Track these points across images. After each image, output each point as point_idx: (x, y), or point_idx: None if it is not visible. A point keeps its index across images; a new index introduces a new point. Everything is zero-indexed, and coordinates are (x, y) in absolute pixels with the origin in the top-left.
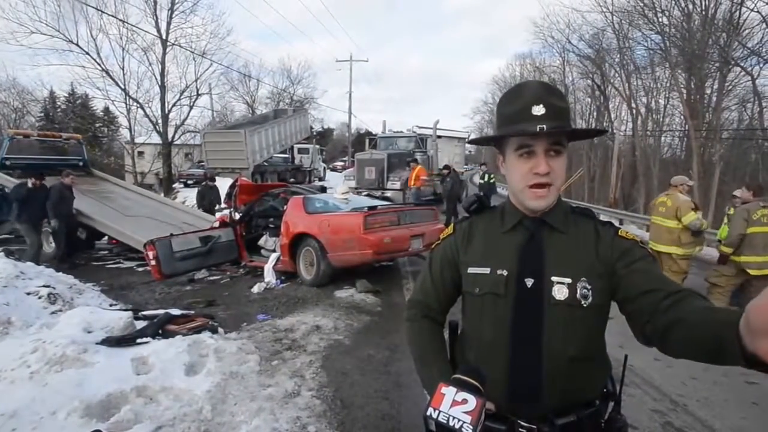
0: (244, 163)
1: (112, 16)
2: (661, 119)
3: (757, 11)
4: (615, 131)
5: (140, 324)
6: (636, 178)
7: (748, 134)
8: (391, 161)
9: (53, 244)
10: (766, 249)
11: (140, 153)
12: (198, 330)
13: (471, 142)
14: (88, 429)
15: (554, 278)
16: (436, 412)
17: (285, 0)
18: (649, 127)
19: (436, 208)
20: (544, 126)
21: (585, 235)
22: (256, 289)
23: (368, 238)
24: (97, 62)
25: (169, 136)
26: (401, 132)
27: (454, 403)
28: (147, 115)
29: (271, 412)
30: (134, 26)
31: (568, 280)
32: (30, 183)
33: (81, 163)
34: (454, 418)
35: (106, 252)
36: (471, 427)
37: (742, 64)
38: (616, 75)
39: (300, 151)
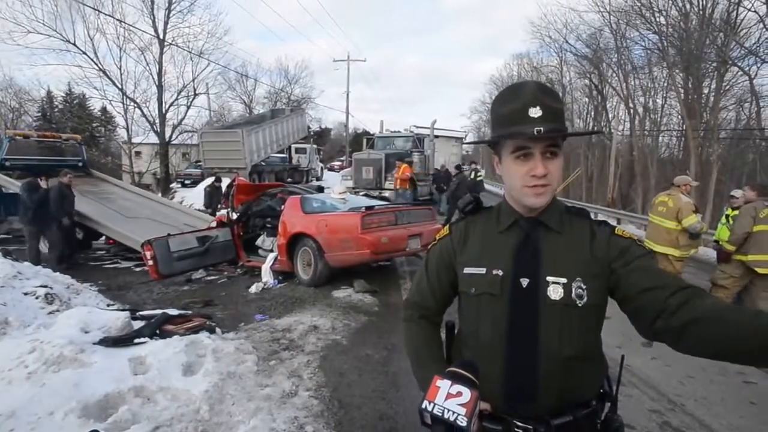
0: (241, 163)
1: (109, 15)
2: (658, 119)
3: (755, 11)
4: (613, 131)
5: (138, 324)
6: (634, 177)
7: (746, 134)
8: (389, 161)
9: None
10: None
11: (137, 153)
12: (195, 330)
13: (468, 143)
14: (86, 429)
15: (549, 278)
16: (431, 404)
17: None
18: (646, 126)
19: (433, 208)
20: (542, 128)
21: (580, 235)
22: (253, 289)
23: (366, 237)
24: (94, 62)
25: (167, 135)
26: (399, 132)
27: (449, 395)
28: (144, 115)
29: (268, 412)
30: (131, 26)
31: (563, 280)
32: (44, 184)
33: (80, 164)
34: (448, 410)
35: (103, 252)
36: (465, 419)
37: (739, 64)
38: (614, 75)
39: (297, 150)
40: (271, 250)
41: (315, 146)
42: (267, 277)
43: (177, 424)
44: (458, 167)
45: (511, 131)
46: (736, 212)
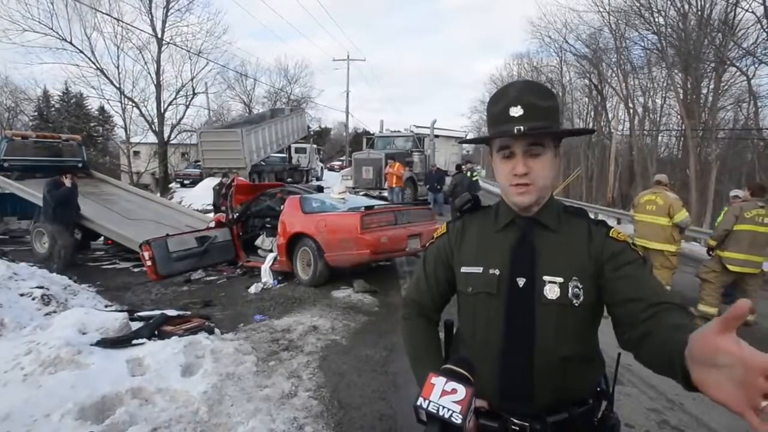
0: (241, 163)
1: (107, 14)
2: (658, 119)
3: (752, 12)
4: (612, 131)
5: (136, 325)
6: (633, 177)
7: (744, 134)
8: (389, 161)
9: (46, 245)
10: (752, 248)
11: (136, 153)
12: (194, 331)
13: (462, 142)
14: (83, 431)
15: (546, 278)
16: (426, 402)
17: None
18: (646, 126)
19: (433, 208)
20: (521, 127)
21: (577, 235)
22: (253, 289)
23: (365, 237)
24: (91, 61)
25: (165, 135)
26: (399, 131)
27: (444, 392)
28: (143, 115)
29: (267, 412)
30: (129, 24)
31: (560, 280)
32: (67, 182)
33: (80, 165)
34: (443, 407)
35: (101, 252)
36: (460, 416)
37: (737, 64)
38: (613, 75)
39: (297, 150)
40: (271, 251)
41: (315, 146)
42: (266, 277)
43: (175, 426)
44: (458, 167)
45: (495, 130)
46: None
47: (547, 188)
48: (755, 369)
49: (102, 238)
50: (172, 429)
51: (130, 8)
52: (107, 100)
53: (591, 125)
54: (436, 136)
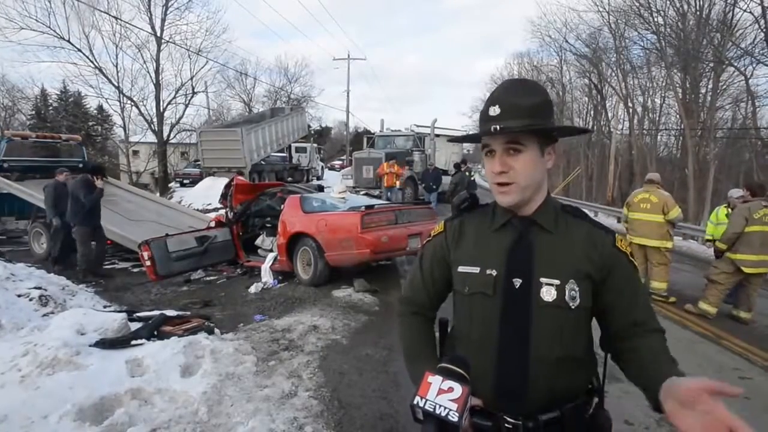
0: (241, 162)
1: (105, 12)
2: (657, 118)
3: (750, 12)
4: (612, 130)
5: (135, 325)
6: (633, 176)
7: (742, 133)
8: (389, 160)
9: (44, 245)
10: (763, 248)
11: (135, 152)
12: (194, 331)
13: (451, 140)
14: None
15: (543, 279)
16: (423, 400)
17: None
18: (645, 126)
19: (434, 208)
20: (497, 126)
21: (576, 236)
22: (253, 289)
23: (365, 237)
24: (89, 59)
25: (165, 134)
26: (399, 131)
27: (440, 391)
28: (141, 114)
29: (267, 413)
30: (128, 23)
31: (557, 282)
32: (99, 183)
33: (81, 165)
34: (440, 406)
35: None
36: (457, 414)
37: (735, 64)
38: (613, 74)
39: (297, 150)
40: (271, 250)
41: (315, 145)
42: (266, 277)
43: (175, 426)
44: (457, 166)
45: (479, 130)
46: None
47: (531, 188)
48: (723, 422)
49: None
50: (171, 429)
51: (128, 6)
52: (106, 99)
53: (591, 124)
54: (437, 136)
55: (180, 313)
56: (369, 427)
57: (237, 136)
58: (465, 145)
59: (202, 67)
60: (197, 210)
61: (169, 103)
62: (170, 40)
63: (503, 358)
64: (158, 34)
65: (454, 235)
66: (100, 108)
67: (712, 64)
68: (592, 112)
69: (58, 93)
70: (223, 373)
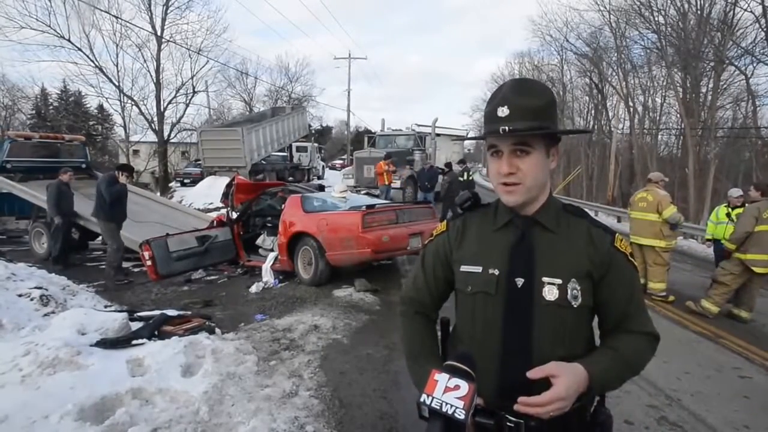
0: (241, 162)
1: (105, 11)
2: (657, 117)
3: (751, 11)
4: (613, 129)
5: (136, 325)
6: (633, 176)
7: (742, 132)
8: (390, 159)
9: (45, 245)
10: None
11: (135, 151)
12: (195, 331)
13: (456, 139)
14: None
15: (545, 279)
16: (430, 398)
17: None
18: (646, 125)
19: (434, 207)
20: (506, 127)
21: (577, 235)
22: (253, 288)
23: (366, 236)
24: (90, 59)
25: (165, 134)
26: (400, 130)
27: (447, 389)
28: (142, 113)
29: (268, 412)
30: (128, 22)
31: (559, 281)
32: (122, 179)
33: (83, 165)
34: (446, 403)
35: (100, 252)
36: (463, 411)
37: (736, 64)
38: (614, 73)
39: (298, 149)
40: (272, 250)
41: (316, 145)
42: (267, 276)
43: (176, 426)
44: (447, 165)
45: (485, 130)
46: (740, 210)
47: (536, 188)
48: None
49: (100, 237)
50: (172, 429)
51: (129, 5)
52: (106, 98)
53: (591, 124)
54: (438, 135)
55: (181, 312)
56: (369, 426)
57: (238, 135)
58: (465, 143)
59: (203, 67)
60: (198, 209)
61: (169, 103)
62: (171, 40)
63: (506, 357)
64: (159, 34)
65: (456, 234)
66: (101, 107)
67: (712, 64)
68: (592, 112)
69: (59, 92)
70: (224, 372)
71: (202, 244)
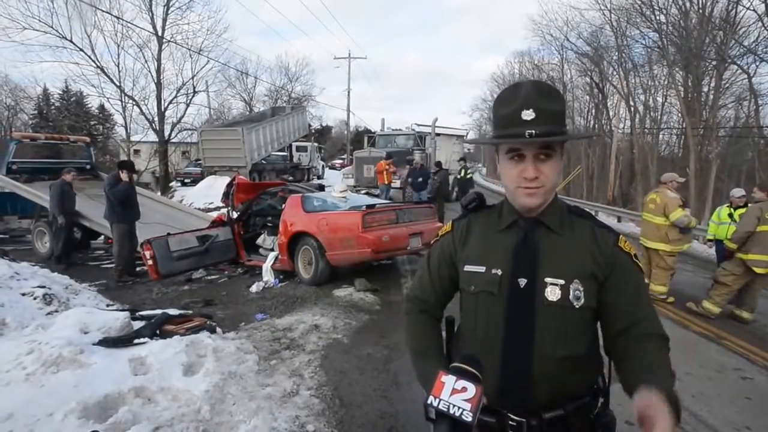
0: (241, 161)
1: (107, 12)
2: (658, 117)
3: (753, 9)
4: (613, 129)
5: (137, 324)
6: (634, 175)
7: (744, 132)
8: (391, 159)
9: (47, 244)
10: None
11: (136, 151)
12: (196, 330)
13: (468, 142)
14: (86, 430)
15: (547, 279)
16: (437, 400)
17: None
18: (647, 124)
19: (434, 206)
20: (533, 131)
21: (580, 237)
22: (254, 288)
23: (367, 236)
24: (91, 59)
25: (166, 134)
26: (400, 130)
27: (454, 391)
28: (143, 113)
29: (269, 411)
30: (129, 23)
31: (561, 282)
32: (125, 176)
33: (88, 166)
34: (454, 405)
35: (102, 252)
36: (471, 414)
37: (738, 62)
38: (614, 73)
39: (298, 149)
40: (272, 249)
41: (316, 144)
42: (268, 276)
43: (178, 425)
44: (438, 164)
45: (505, 133)
46: (742, 210)
47: (553, 190)
48: None
49: (102, 237)
50: (174, 428)
51: (130, 6)
52: (107, 98)
53: (592, 123)
54: (438, 135)
55: (182, 312)
56: (370, 425)
57: (238, 135)
58: (464, 144)
59: (203, 67)
60: (199, 209)
61: (170, 103)
62: (171, 40)
63: (508, 357)
64: (159, 34)
65: (461, 234)
66: (102, 107)
67: (714, 63)
68: (593, 111)
69: (60, 92)
70: (225, 371)
71: (203, 244)
